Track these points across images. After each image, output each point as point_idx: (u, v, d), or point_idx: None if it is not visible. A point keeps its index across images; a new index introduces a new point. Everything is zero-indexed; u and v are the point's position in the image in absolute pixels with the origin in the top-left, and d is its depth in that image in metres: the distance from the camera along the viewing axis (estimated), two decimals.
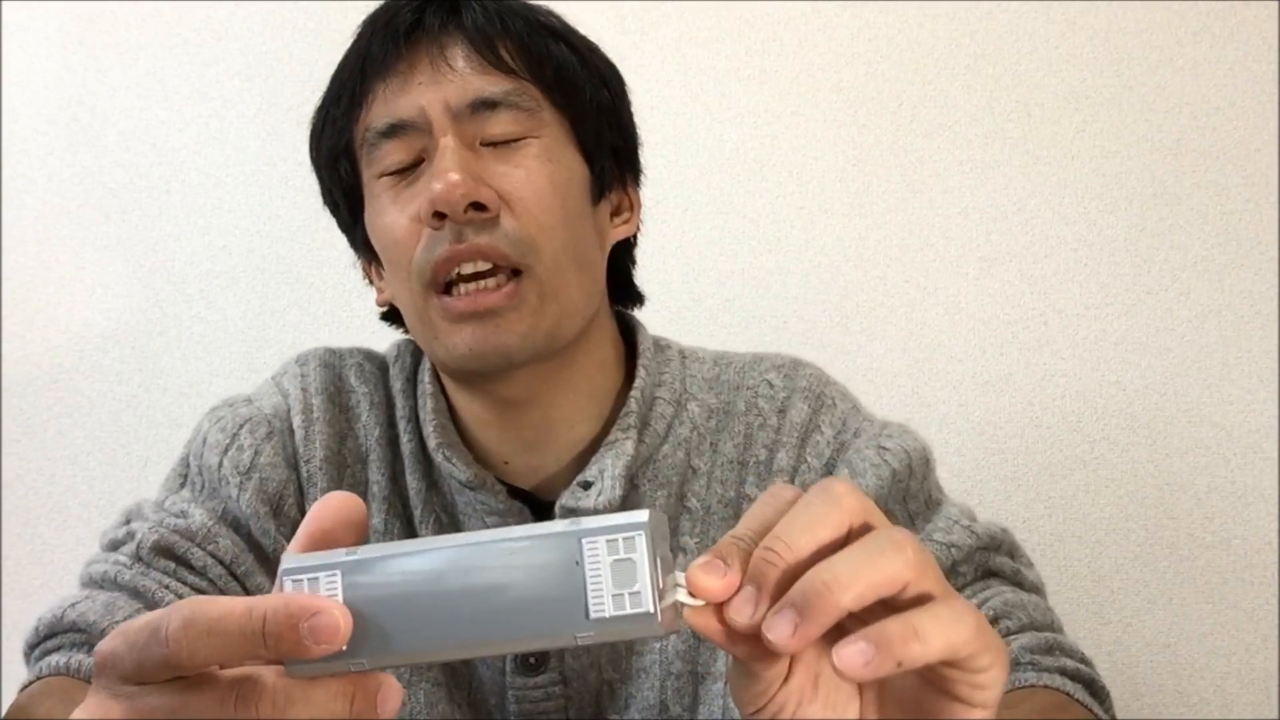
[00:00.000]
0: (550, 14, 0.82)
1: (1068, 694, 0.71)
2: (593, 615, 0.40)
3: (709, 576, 0.41)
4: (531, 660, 0.79)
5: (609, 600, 0.40)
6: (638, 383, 0.81)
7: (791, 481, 0.80)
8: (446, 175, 0.72)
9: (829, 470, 0.80)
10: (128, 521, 0.80)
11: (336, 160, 0.80)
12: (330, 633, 0.39)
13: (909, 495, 0.80)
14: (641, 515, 0.41)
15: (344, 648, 0.40)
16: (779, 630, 0.40)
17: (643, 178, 0.87)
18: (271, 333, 1.38)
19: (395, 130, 0.75)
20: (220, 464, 0.79)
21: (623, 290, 0.88)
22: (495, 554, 0.41)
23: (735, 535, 0.43)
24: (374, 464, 0.82)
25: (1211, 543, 1.30)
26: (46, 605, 0.74)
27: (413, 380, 0.84)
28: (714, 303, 1.35)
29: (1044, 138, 1.32)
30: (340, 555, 0.42)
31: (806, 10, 1.33)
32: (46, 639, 0.73)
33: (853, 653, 0.39)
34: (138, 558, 0.75)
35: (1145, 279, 1.31)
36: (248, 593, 0.76)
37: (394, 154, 0.76)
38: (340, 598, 0.41)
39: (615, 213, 0.84)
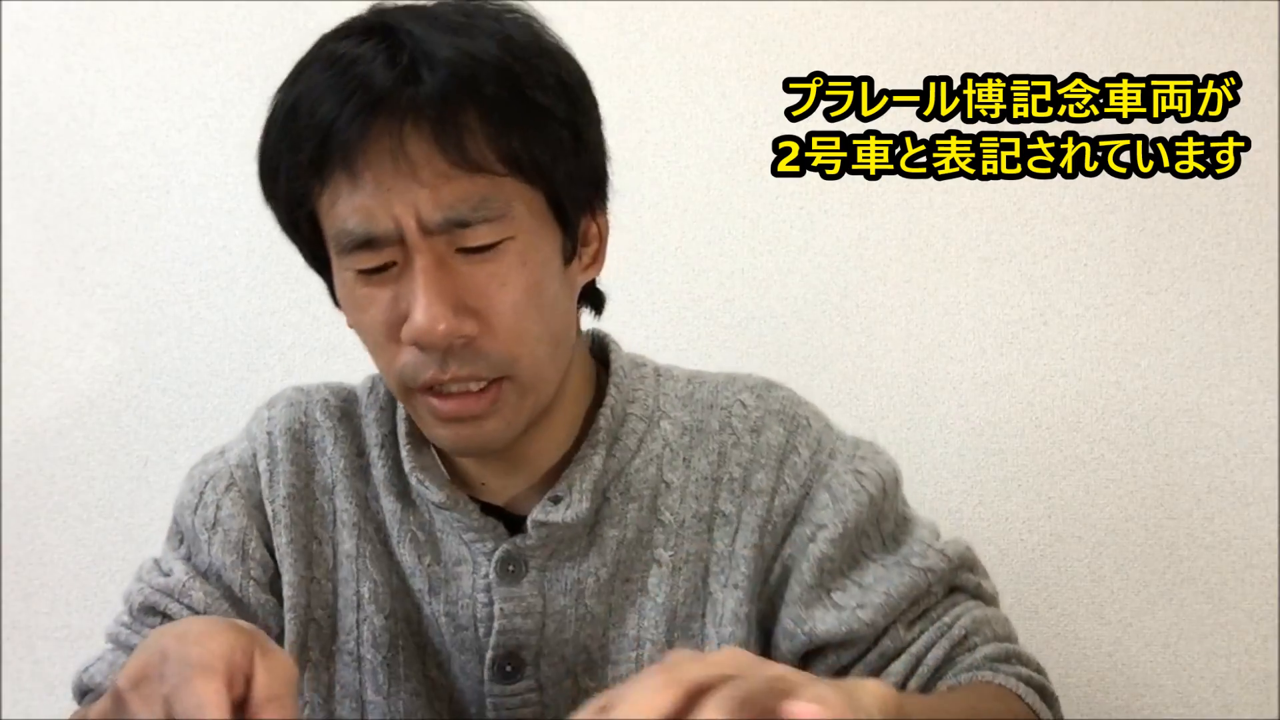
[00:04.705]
0: (515, 49, 0.72)
1: (1010, 690, 0.77)
2: None
3: None
4: (508, 668, 0.81)
5: None
6: (608, 400, 0.83)
7: (771, 502, 0.83)
8: (431, 317, 0.70)
9: (806, 491, 0.83)
10: (138, 579, 0.88)
11: (296, 217, 0.76)
12: None
13: (882, 516, 0.84)
14: None
15: None
16: None
17: (611, 191, 0.82)
18: (271, 333, 1.38)
19: (370, 243, 0.72)
20: (193, 523, 0.86)
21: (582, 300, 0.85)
22: None
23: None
24: (341, 493, 0.85)
25: (1211, 543, 1.30)
26: (86, 656, 0.87)
27: (388, 409, 0.87)
28: (714, 303, 1.35)
29: None
30: None
31: (806, 10, 1.33)
32: (81, 697, 0.86)
33: None
34: (132, 616, 0.85)
35: (1145, 279, 1.31)
36: None
37: (367, 261, 0.73)
38: None
39: (582, 244, 0.81)
